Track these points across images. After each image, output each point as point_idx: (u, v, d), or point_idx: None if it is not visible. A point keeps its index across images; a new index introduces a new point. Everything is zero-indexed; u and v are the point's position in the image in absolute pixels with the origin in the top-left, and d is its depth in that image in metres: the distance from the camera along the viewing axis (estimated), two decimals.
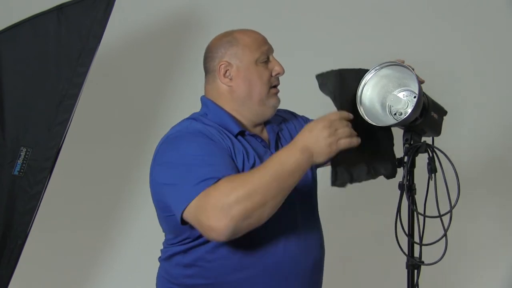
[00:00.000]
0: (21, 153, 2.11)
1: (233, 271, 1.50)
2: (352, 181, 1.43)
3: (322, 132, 1.34)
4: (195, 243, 1.52)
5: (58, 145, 2.14)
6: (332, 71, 1.47)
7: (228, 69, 1.58)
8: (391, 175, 1.55)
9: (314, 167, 1.69)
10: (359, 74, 1.52)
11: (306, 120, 1.78)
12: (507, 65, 2.86)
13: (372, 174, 1.49)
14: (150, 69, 3.04)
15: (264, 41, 1.63)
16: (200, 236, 1.47)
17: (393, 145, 1.57)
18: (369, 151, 1.49)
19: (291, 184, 1.35)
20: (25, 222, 2.14)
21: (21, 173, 2.11)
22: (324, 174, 1.77)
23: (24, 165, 2.11)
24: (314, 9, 2.94)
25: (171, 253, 1.58)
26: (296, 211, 1.58)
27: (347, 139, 1.36)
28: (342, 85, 1.47)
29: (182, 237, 1.53)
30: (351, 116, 1.39)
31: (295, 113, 1.81)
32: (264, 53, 1.59)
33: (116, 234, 3.02)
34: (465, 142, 2.81)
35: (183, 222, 1.40)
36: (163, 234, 1.67)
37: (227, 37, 1.61)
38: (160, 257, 1.65)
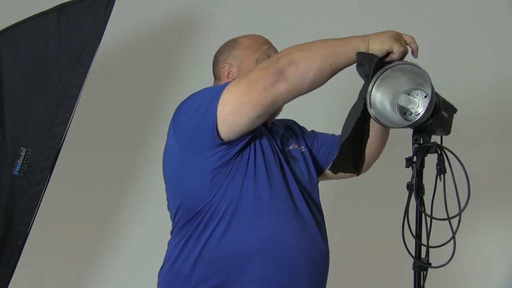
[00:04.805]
0: (21, 153, 2.11)
1: (241, 260, 1.52)
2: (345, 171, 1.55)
3: (391, 32, 1.48)
4: (208, 219, 1.53)
5: (58, 145, 2.13)
6: (375, 56, 1.47)
7: (231, 71, 1.66)
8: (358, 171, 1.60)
9: (316, 177, 1.74)
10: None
11: (306, 130, 1.88)
12: (507, 65, 2.85)
13: (356, 169, 1.57)
14: (150, 69, 3.04)
15: (265, 41, 1.69)
16: (215, 210, 1.51)
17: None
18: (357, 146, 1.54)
19: (341, 54, 1.44)
20: (25, 222, 2.13)
21: (21, 173, 2.11)
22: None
23: (24, 165, 2.11)
24: (314, 13, 2.94)
25: (182, 237, 1.58)
26: (305, 206, 1.62)
27: (401, 49, 1.47)
28: (375, 71, 1.48)
29: (197, 208, 1.54)
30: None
31: (297, 123, 1.90)
32: (265, 53, 1.66)
33: (117, 234, 3.02)
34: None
35: (220, 136, 1.45)
36: (164, 234, 1.68)
37: (230, 42, 1.71)
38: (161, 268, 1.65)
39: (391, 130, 1.81)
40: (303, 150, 1.76)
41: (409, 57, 1.53)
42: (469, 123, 2.81)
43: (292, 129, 1.82)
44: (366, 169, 1.88)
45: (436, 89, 1.46)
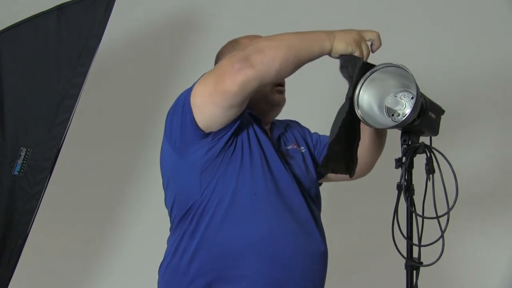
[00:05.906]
0: (21, 153, 2.11)
1: (236, 256, 1.52)
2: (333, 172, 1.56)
3: (354, 33, 1.50)
4: (200, 214, 1.54)
5: (58, 145, 2.14)
6: (359, 58, 1.49)
7: None
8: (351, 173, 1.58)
9: (314, 174, 1.74)
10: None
11: (310, 132, 1.88)
12: (507, 65, 2.85)
13: (349, 170, 1.56)
14: (150, 69, 3.04)
15: None
16: (206, 205, 1.52)
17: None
18: (348, 147, 1.54)
19: (305, 48, 1.46)
20: (25, 222, 2.14)
21: (21, 173, 2.11)
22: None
23: (24, 165, 2.11)
24: (313, 13, 2.94)
25: (178, 234, 1.59)
26: (303, 202, 1.62)
27: (361, 56, 1.50)
28: (361, 74, 1.49)
29: (189, 204, 1.55)
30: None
31: (300, 124, 1.90)
32: None
33: (117, 234, 3.02)
34: (463, 143, 2.80)
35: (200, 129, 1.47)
36: (164, 234, 1.68)
37: (232, 43, 1.71)
38: (161, 266, 1.65)
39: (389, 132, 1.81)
40: (303, 150, 1.76)
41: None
42: (466, 123, 2.82)
43: (293, 129, 1.82)
44: (367, 172, 1.88)
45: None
